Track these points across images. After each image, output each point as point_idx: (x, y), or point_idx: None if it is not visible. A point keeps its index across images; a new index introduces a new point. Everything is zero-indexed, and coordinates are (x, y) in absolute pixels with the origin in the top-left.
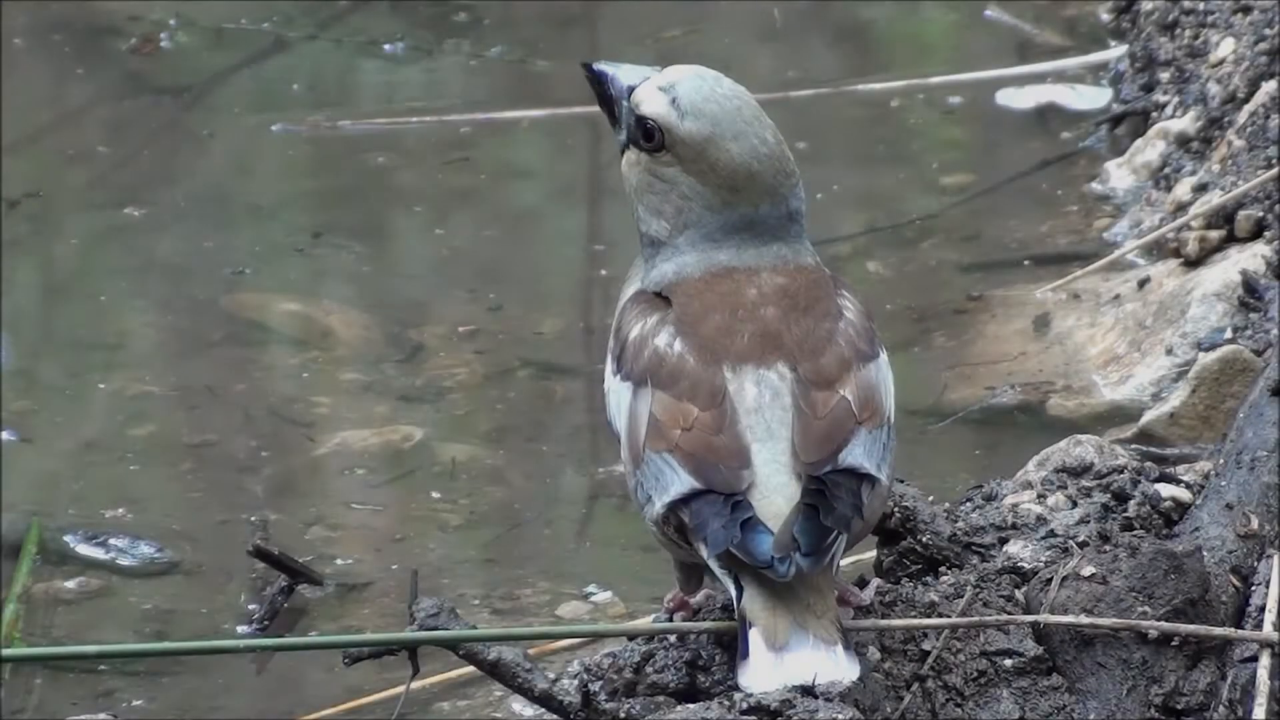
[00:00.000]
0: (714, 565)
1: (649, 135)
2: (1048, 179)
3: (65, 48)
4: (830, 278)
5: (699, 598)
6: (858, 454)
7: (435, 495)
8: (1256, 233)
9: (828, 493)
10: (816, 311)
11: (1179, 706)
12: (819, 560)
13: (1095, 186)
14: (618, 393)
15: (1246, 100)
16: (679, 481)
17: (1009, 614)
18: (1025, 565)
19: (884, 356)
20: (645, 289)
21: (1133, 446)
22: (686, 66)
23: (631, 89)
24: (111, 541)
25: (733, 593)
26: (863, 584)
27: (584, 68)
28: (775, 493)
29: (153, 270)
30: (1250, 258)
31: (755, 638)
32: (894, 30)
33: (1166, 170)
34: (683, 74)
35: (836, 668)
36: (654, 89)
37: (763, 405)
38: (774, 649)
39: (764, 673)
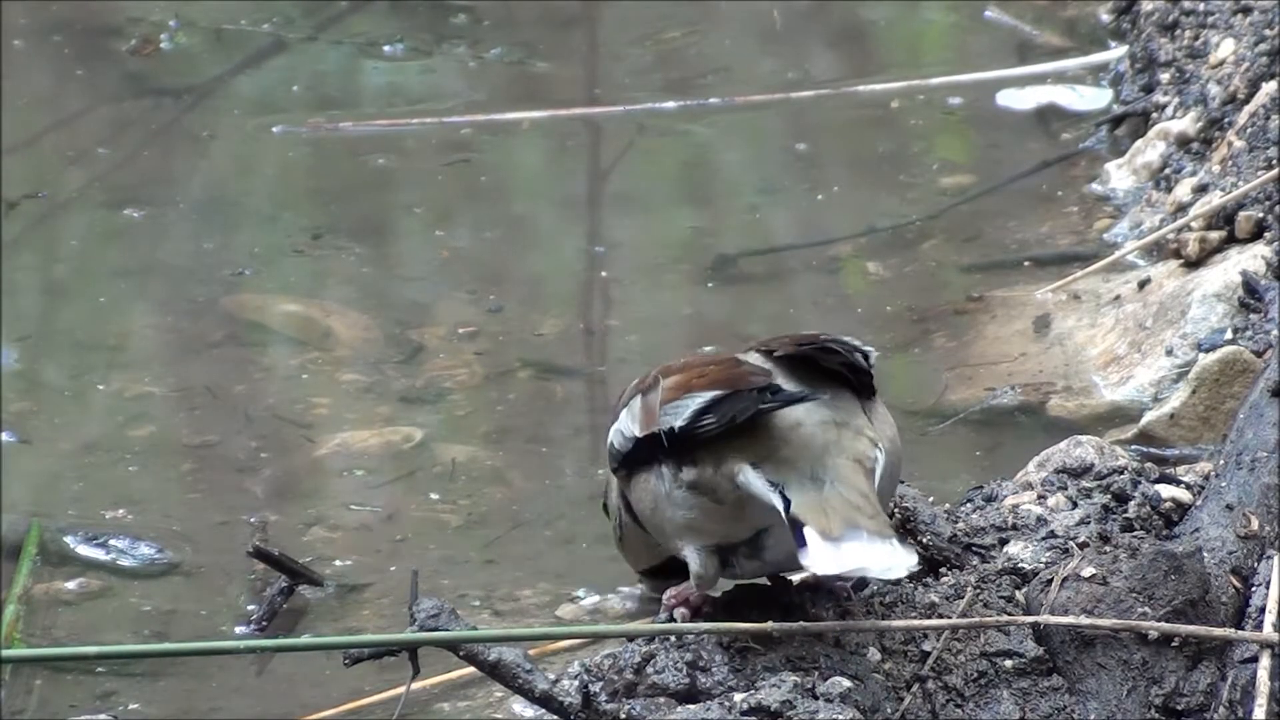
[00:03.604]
0: (757, 483)
1: None
2: (1048, 180)
3: (65, 49)
4: None
5: (698, 599)
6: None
7: (435, 496)
8: (1256, 233)
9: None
10: None
11: (1179, 707)
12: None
13: (1095, 187)
14: (621, 418)
15: (1247, 101)
16: (701, 397)
17: (1009, 615)
18: (1025, 566)
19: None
20: None
21: (1133, 447)
22: None
23: None
24: (111, 542)
25: (779, 506)
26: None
27: None
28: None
29: (153, 271)
30: (1250, 258)
31: (810, 533)
32: (894, 31)
33: (1167, 171)
34: None
35: (894, 555)
36: None
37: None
38: (829, 540)
39: (824, 557)
